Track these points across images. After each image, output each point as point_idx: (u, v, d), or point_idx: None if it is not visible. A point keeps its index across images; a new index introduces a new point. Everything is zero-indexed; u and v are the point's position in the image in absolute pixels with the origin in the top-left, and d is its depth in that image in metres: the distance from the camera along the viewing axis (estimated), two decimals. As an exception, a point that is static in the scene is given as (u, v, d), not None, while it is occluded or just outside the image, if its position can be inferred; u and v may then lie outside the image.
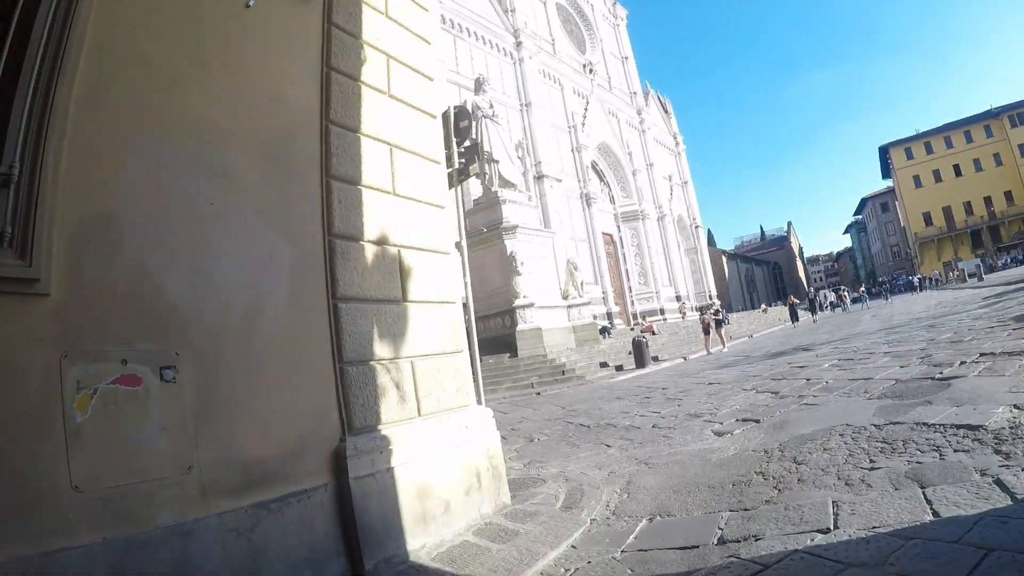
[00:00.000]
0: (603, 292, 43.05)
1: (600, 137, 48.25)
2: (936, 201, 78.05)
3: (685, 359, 24.88)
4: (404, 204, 6.23)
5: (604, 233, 46.51)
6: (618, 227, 49.46)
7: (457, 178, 7.97)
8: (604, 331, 30.19)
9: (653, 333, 31.88)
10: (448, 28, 38.01)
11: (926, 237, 79.05)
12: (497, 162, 26.12)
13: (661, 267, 50.70)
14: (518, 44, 42.37)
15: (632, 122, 53.96)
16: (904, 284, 69.78)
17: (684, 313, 49.93)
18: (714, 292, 57.67)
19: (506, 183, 26.27)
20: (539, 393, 19.32)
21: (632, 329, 36.72)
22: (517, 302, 23.49)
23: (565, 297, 26.95)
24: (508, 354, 23.04)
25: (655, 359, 24.09)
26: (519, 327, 23.28)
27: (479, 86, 27.59)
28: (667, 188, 55.19)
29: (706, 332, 26.48)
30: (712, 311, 27.29)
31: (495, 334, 24.39)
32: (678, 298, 51.39)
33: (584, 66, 49.85)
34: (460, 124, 8.65)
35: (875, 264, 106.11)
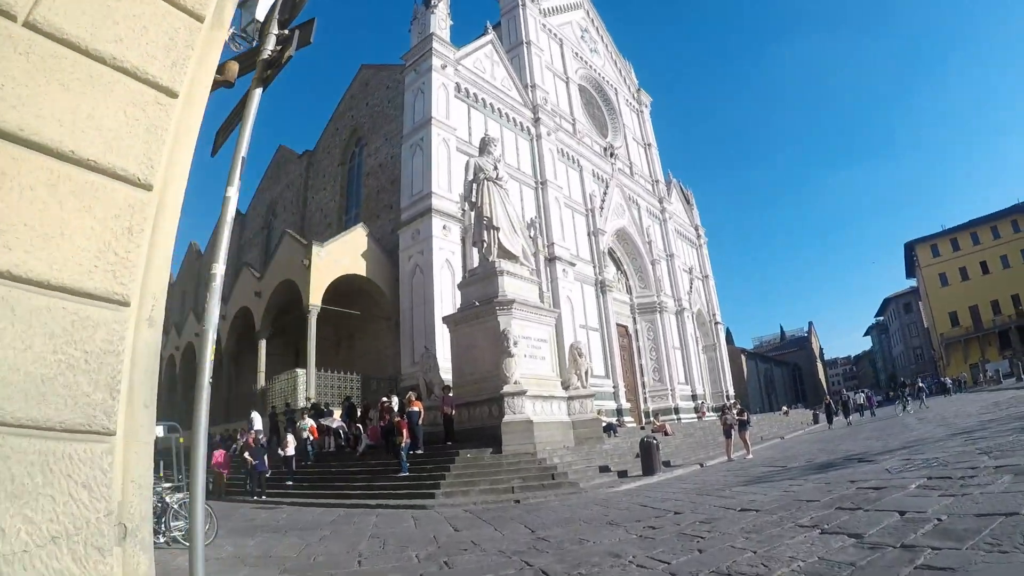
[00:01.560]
0: (614, 386, 38.70)
1: (619, 223, 44.68)
2: (963, 300, 72.98)
3: (702, 466, 20.51)
4: None
5: (619, 325, 42.42)
6: (634, 318, 45.30)
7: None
8: (610, 429, 25.76)
9: (666, 434, 27.39)
10: (463, 97, 35.29)
11: (952, 338, 73.61)
12: (498, 229, 22.48)
13: (677, 363, 46.22)
14: (536, 120, 39.69)
15: (653, 211, 50.52)
16: (932, 386, 64.65)
17: (703, 413, 45.25)
18: (732, 392, 52.86)
19: (507, 254, 22.48)
20: (518, 501, 15.00)
21: (643, 428, 32.16)
22: (506, 388, 19.27)
23: (566, 387, 22.62)
24: (491, 449, 18.70)
25: (667, 464, 19.67)
26: (506, 418, 18.97)
27: (484, 146, 24.05)
28: (687, 281, 51.22)
29: (727, 435, 22.01)
30: (736, 410, 22.79)
31: (480, 424, 20.37)
32: (694, 397, 46.71)
33: (605, 149, 46.83)
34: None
35: (896, 367, 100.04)
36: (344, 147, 42.84)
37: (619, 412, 37.26)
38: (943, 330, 74.82)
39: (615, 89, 52.51)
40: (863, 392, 49.23)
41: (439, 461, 18.71)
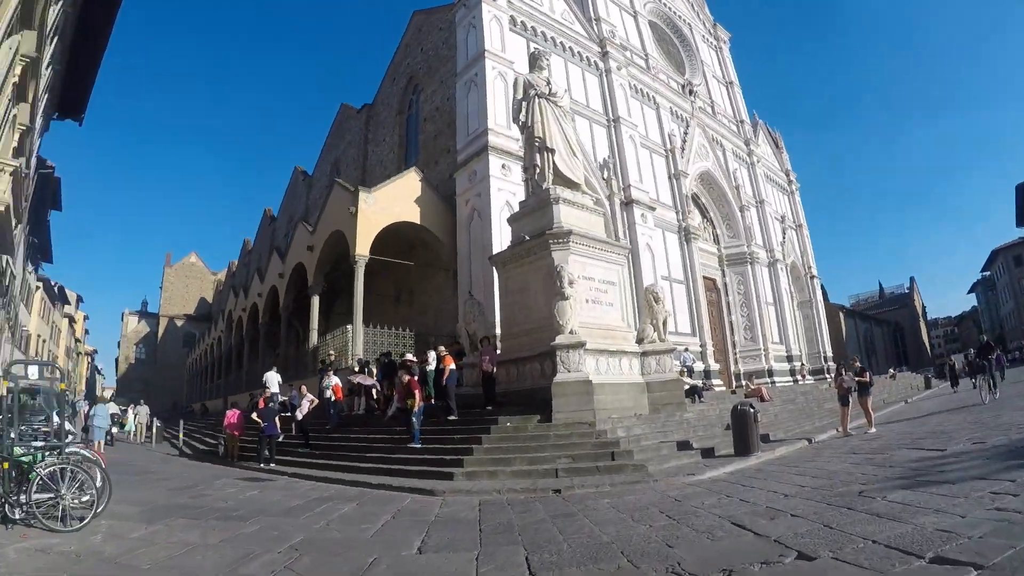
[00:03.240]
0: (701, 345, 33.63)
1: (703, 166, 39.16)
2: (1085, 249, 62.52)
3: (810, 442, 15.55)
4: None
5: (706, 278, 37.12)
6: (722, 271, 39.83)
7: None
8: (694, 392, 20.79)
9: (763, 399, 22.29)
10: (519, 31, 30.84)
11: (1074, 295, 63.67)
12: (553, 151, 17.87)
13: (771, 320, 40.44)
14: (604, 54, 34.55)
15: (739, 153, 44.41)
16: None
17: (803, 375, 39.65)
18: (830, 353, 46.70)
19: (565, 180, 17.97)
20: (558, 491, 10.53)
21: (734, 392, 26.96)
22: (559, 339, 14.70)
23: (640, 341, 17.78)
24: (539, 416, 14.27)
25: (764, 439, 14.74)
26: (558, 377, 14.41)
27: (535, 61, 19.68)
28: (779, 230, 45.01)
29: (844, 401, 16.75)
30: (855, 370, 17.36)
31: (530, 385, 15.99)
32: (789, 358, 40.79)
33: (683, 87, 41.20)
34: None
35: (1005, 328, 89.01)
36: (401, 96, 38.63)
37: (707, 374, 32.27)
38: (1062, 285, 65.32)
39: (689, 25, 46.40)
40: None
41: (472, 430, 14.45)
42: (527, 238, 17.15)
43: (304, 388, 20.51)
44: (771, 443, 14.93)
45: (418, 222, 28.17)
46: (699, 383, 24.11)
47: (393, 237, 28.14)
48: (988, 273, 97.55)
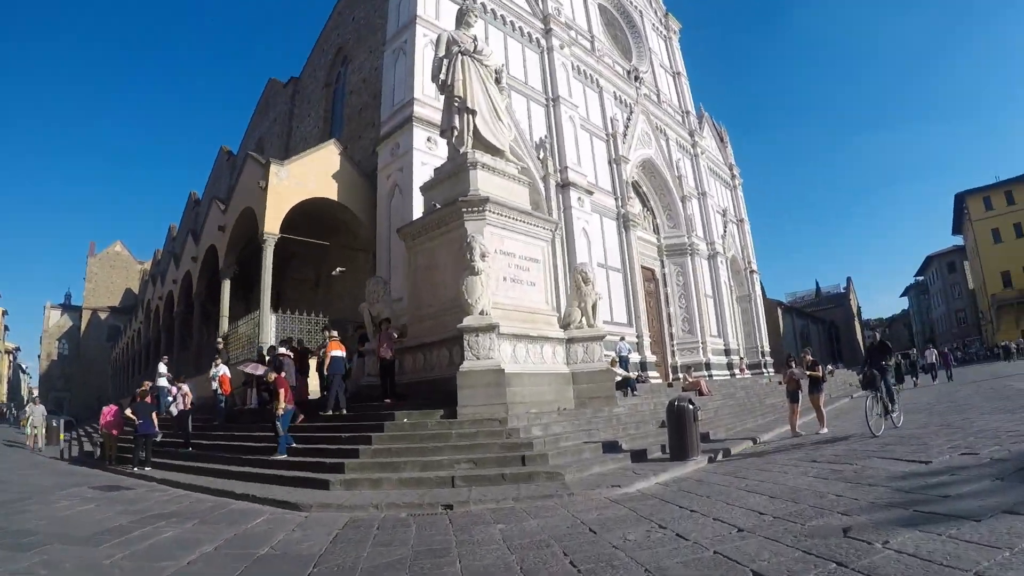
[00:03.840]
0: (638, 336, 31.39)
1: (645, 153, 36.93)
2: (1017, 259, 63.13)
3: (755, 442, 13.53)
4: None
5: (644, 267, 35.08)
6: (662, 261, 37.79)
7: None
8: (627, 385, 18.62)
9: (701, 393, 20.29)
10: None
11: (1005, 300, 64.08)
12: (474, 113, 15.55)
13: (710, 313, 38.56)
14: (547, 31, 32.04)
15: (683, 143, 42.49)
16: (978, 353, 56.39)
17: (741, 369, 37.99)
18: (768, 348, 45.30)
19: (486, 145, 15.67)
20: (450, 507, 8.30)
21: (671, 385, 24.86)
22: (467, 320, 12.41)
23: (565, 326, 15.51)
24: (443, 411, 11.93)
25: (705, 438, 12.57)
26: (464, 365, 12.12)
27: (461, 17, 17.49)
28: (720, 223, 43.34)
29: (793, 398, 14.54)
30: (807, 363, 15.08)
31: (437, 375, 13.58)
32: (727, 351, 39.15)
33: (628, 73, 38.95)
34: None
35: (936, 331, 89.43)
36: (329, 68, 35.72)
37: (643, 365, 30.10)
38: (994, 291, 65.48)
39: (640, 11, 44.22)
40: (933, 350, 39.58)
41: (362, 428, 12.06)
42: (438, 206, 14.74)
43: (182, 380, 17.84)
44: (712, 443, 12.81)
45: (335, 199, 25.46)
46: (633, 375, 21.92)
47: (310, 216, 25.35)
48: (922, 278, 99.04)
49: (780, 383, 17.21)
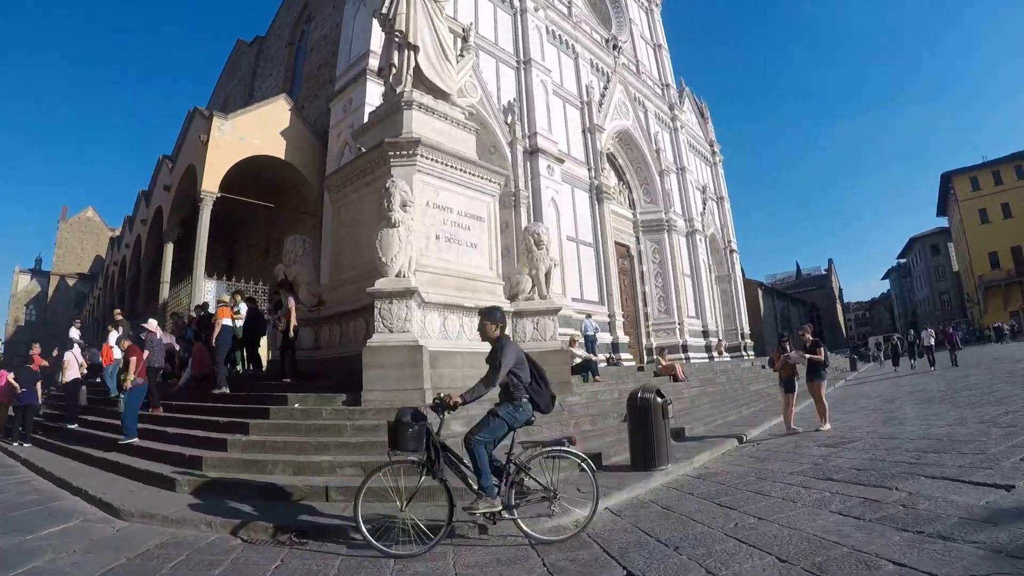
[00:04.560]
0: (610, 316, 28.83)
1: (622, 123, 34.06)
2: (1004, 239, 60.97)
3: (741, 440, 10.93)
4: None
5: (618, 243, 32.48)
6: (637, 238, 35.04)
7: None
8: (588, 369, 15.79)
9: (676, 378, 17.64)
10: None
11: (992, 281, 61.98)
12: (416, 49, 12.84)
13: (687, 293, 35.96)
14: None
15: (662, 117, 39.63)
16: (966, 336, 53.92)
17: (720, 352, 35.47)
18: (747, 330, 42.87)
19: (430, 87, 13.05)
20: (303, 540, 5.76)
21: (642, 369, 22.12)
22: (379, 284, 9.77)
23: (512, 297, 12.88)
24: (346, 396, 9.32)
25: (678, 435, 9.94)
26: (373, 338, 9.56)
27: None
28: (699, 200, 40.53)
29: (789, 387, 11.73)
30: (806, 343, 12.21)
31: (352, 350, 10.62)
32: (705, 333, 36.51)
33: (607, 41, 35.99)
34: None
35: (918, 313, 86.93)
36: (293, 26, 32.77)
37: (615, 347, 27.77)
38: (981, 272, 63.45)
39: (620, -21, 41.36)
40: (930, 330, 36.47)
41: (245, 413, 9.53)
42: (363, 150, 12.07)
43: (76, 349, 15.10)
44: (687, 441, 10.17)
45: (283, 158, 22.85)
46: (598, 357, 19.12)
47: (257, 176, 22.99)
48: (904, 260, 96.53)
49: (765, 367, 14.54)
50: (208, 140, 21.39)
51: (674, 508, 6.38)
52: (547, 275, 13.05)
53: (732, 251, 44.09)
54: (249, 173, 22.48)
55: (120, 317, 18.07)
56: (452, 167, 12.21)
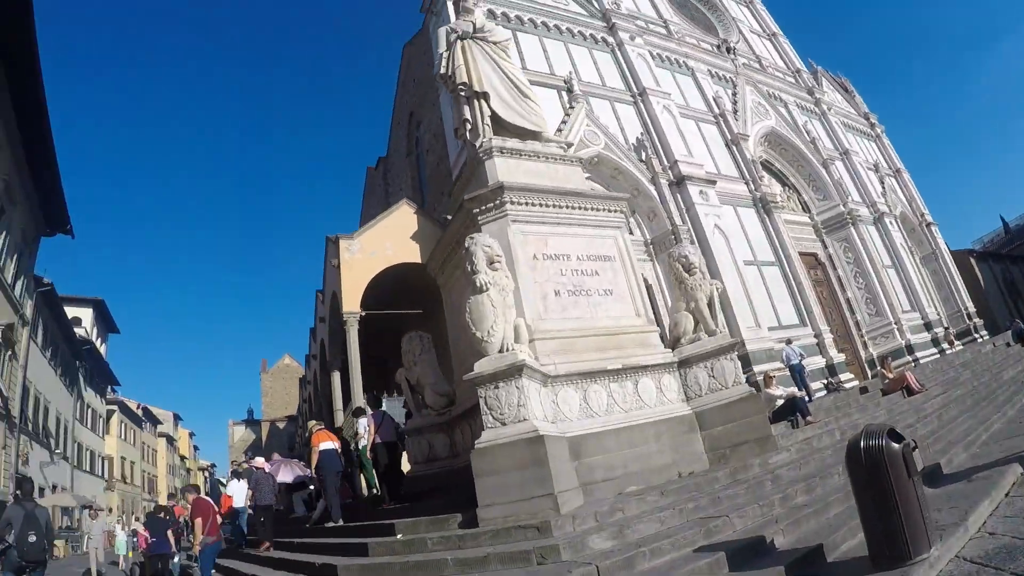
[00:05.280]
0: (816, 335, 25.02)
1: (766, 124, 30.64)
2: None
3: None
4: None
5: (803, 254, 28.43)
6: (822, 242, 30.57)
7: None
8: (795, 409, 12.30)
9: (911, 391, 13.94)
10: (501, 22, 24.53)
11: None
12: (486, 96, 11.36)
13: (894, 286, 30.78)
14: (611, 27, 27.82)
15: (805, 104, 35.52)
16: None
17: (950, 342, 29.66)
18: (972, 309, 36.33)
19: (514, 130, 11.44)
20: None
21: (865, 391, 18.03)
22: (478, 366, 7.73)
23: (675, 342, 10.16)
24: (461, 516, 7.22)
25: (934, 480, 6.82)
26: (482, 438, 7.41)
27: (459, 5, 14.19)
28: (876, 180, 35.46)
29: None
30: None
31: (464, 460, 8.80)
32: (927, 326, 30.77)
33: (718, 47, 33.20)
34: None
35: None
36: (407, 137, 33.25)
37: (831, 369, 24.00)
38: None
39: (709, -15, 38.75)
40: None
41: (340, 549, 8.12)
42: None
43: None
44: (947, 485, 6.92)
45: (420, 261, 21.68)
46: (798, 392, 15.41)
47: (401, 284, 22.06)
48: None
49: (1011, 344, 10.75)
50: (339, 263, 21.04)
51: None
52: (711, 304, 10.26)
53: (928, 224, 38.03)
54: (391, 284, 21.77)
55: (247, 465, 17.42)
56: (557, 206, 10.27)
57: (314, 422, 12.51)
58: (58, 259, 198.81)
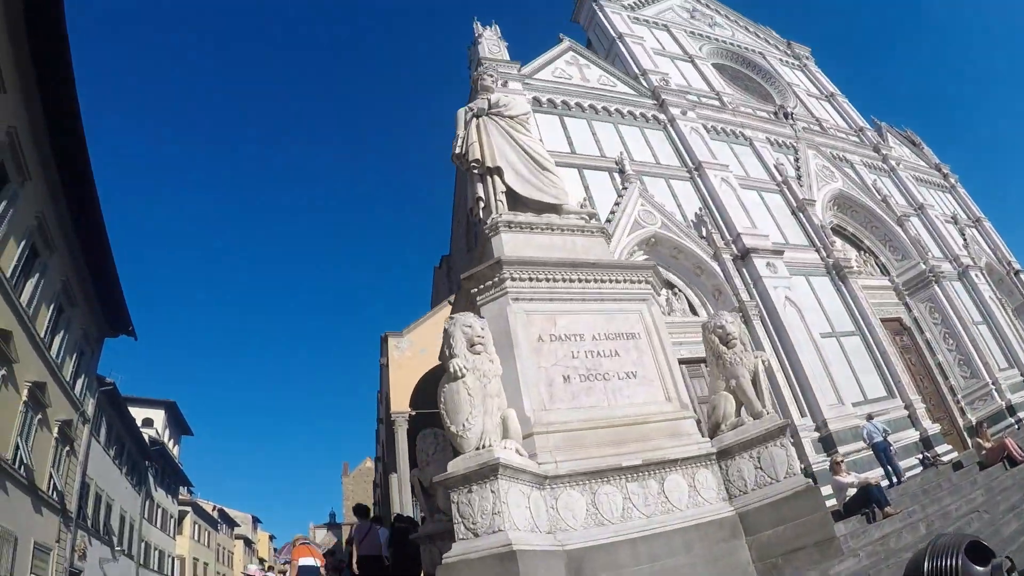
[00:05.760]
0: (906, 407, 22.70)
1: (832, 187, 29.31)
2: None
3: None
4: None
5: (886, 319, 26.35)
6: (905, 305, 28.41)
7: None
8: (870, 500, 10.48)
9: (1013, 461, 12.09)
10: (547, 109, 25.04)
11: None
12: (500, 171, 10.95)
13: (988, 343, 28.10)
14: (661, 104, 27.42)
15: (872, 163, 34.03)
16: None
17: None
18: (1078, 358, 32.75)
19: (530, 204, 10.92)
20: None
21: (959, 467, 15.83)
22: (451, 466, 6.78)
23: (714, 429, 8.73)
24: None
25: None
26: (451, 552, 6.31)
27: (474, 85, 13.24)
28: (955, 233, 33.35)
29: None
30: None
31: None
32: (1029, 382, 28.10)
33: (775, 114, 32.27)
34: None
35: None
36: (467, 233, 32.98)
37: (926, 443, 21.49)
38: None
39: (759, 53, 38.22)
40: None
41: None
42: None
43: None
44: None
45: (471, 357, 20.95)
46: (872, 479, 13.23)
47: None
48: None
49: None
50: (388, 361, 20.84)
51: None
52: (755, 381, 8.85)
53: (1017, 272, 35.00)
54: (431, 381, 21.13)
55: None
56: (568, 280, 9.29)
57: (299, 535, 11.56)
58: (128, 361, 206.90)
